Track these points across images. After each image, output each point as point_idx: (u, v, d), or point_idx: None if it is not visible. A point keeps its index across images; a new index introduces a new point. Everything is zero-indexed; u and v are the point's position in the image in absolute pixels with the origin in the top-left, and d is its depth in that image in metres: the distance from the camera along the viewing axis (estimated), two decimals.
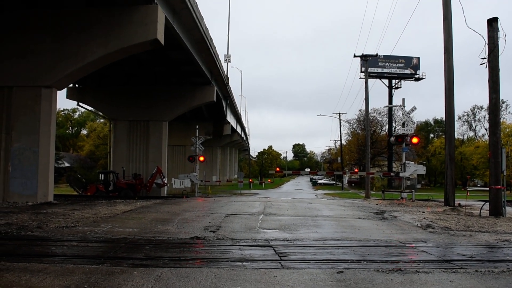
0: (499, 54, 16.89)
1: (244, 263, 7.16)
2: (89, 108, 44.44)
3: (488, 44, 17.01)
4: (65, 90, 34.90)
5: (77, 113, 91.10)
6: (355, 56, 40.95)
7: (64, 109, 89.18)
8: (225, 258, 7.56)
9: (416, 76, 69.50)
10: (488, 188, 17.62)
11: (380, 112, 71.42)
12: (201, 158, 32.25)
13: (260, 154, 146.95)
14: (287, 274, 6.45)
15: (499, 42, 16.94)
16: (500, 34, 17.01)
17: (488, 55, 16.92)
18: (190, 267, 6.80)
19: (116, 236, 9.84)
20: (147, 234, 10.10)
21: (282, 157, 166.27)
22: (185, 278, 6.10)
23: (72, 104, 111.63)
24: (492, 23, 16.99)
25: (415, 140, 26.30)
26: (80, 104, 38.91)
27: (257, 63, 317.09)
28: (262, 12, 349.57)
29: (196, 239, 9.55)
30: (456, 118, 37.38)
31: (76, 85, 37.12)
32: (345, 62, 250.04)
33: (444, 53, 21.61)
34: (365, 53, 40.70)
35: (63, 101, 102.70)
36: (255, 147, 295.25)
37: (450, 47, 21.53)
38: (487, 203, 17.16)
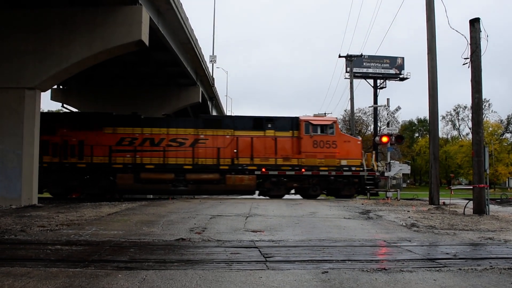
0: (481, 54, 17.07)
1: (229, 265, 7.17)
2: (74, 109, 44.09)
3: (470, 44, 17.11)
4: (49, 91, 34.56)
5: None
6: (340, 56, 41.34)
7: (48, 111, 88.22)
8: (210, 260, 7.55)
9: (401, 76, 70.17)
10: (472, 187, 17.80)
11: (365, 112, 72.23)
12: None
13: None
14: (272, 275, 6.47)
15: (481, 42, 17.13)
16: (483, 35, 17.21)
17: (471, 55, 17.04)
18: (175, 269, 6.78)
19: (101, 238, 9.76)
20: (132, 237, 10.05)
21: None
22: (170, 281, 6.08)
23: (56, 105, 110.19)
24: (474, 23, 17.10)
25: (399, 140, 26.49)
26: (65, 105, 38.46)
27: (242, 59, 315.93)
28: (247, 7, 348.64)
29: (181, 241, 9.52)
30: (440, 117, 37.82)
31: (61, 86, 36.72)
32: (331, 61, 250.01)
33: (428, 54, 21.77)
34: (350, 52, 41.01)
35: (47, 103, 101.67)
36: None
37: (434, 48, 21.69)
38: (471, 202, 17.34)
